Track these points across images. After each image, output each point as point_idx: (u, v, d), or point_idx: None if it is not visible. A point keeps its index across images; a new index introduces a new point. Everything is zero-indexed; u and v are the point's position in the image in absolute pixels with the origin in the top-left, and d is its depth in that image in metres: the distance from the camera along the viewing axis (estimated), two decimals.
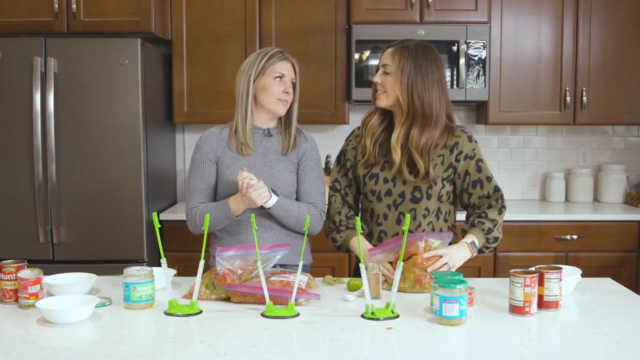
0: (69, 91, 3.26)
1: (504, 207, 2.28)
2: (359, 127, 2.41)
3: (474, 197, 2.28)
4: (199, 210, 2.31)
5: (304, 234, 2.28)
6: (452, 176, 2.26)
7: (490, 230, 2.23)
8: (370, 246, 2.24)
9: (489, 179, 2.28)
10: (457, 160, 2.25)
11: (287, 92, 2.31)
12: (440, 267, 2.10)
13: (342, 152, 2.40)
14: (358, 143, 2.35)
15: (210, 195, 2.37)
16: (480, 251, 2.25)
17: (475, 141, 2.29)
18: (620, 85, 3.77)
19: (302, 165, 2.38)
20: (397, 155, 2.21)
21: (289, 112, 2.37)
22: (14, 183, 3.30)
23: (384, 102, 2.24)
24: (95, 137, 3.29)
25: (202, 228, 1.96)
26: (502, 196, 2.29)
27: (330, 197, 2.39)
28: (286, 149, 2.35)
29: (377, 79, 2.24)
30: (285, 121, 2.39)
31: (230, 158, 2.34)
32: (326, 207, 2.39)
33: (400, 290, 2.02)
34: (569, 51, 3.74)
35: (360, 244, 1.91)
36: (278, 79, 2.30)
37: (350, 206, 2.38)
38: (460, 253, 2.16)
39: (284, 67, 2.32)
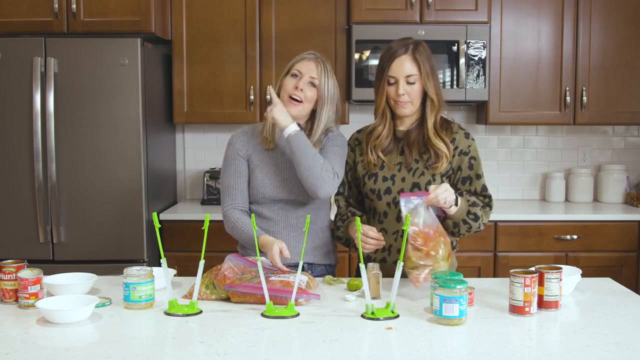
0: (69, 91, 3.27)
1: (490, 207, 2.28)
2: (358, 131, 2.42)
3: (462, 193, 2.29)
4: (231, 219, 2.30)
5: (312, 192, 2.23)
6: (449, 171, 2.28)
7: (475, 204, 2.21)
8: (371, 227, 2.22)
9: (479, 176, 2.29)
10: (453, 156, 2.27)
11: (296, 88, 2.26)
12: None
13: None
14: (357, 145, 2.37)
15: (244, 192, 2.35)
16: (455, 224, 2.20)
17: (472, 139, 2.31)
18: (620, 85, 3.77)
19: (323, 148, 2.33)
20: (441, 144, 2.24)
21: (315, 114, 2.32)
22: (14, 183, 3.30)
23: (410, 109, 2.26)
24: (95, 137, 3.29)
25: (202, 228, 1.95)
26: (489, 196, 2.29)
27: (334, 201, 2.42)
28: None
29: (401, 91, 2.22)
30: (310, 123, 2.34)
31: (258, 157, 2.34)
32: (341, 178, 2.31)
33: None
34: (569, 51, 3.74)
35: (360, 244, 1.91)
36: (293, 77, 2.29)
37: (355, 208, 2.41)
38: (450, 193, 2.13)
39: (303, 65, 2.29)
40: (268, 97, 2.16)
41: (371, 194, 2.32)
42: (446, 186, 2.07)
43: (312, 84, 2.29)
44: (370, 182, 2.31)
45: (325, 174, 2.21)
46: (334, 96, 2.32)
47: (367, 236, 2.13)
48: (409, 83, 2.22)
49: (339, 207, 2.41)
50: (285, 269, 2.10)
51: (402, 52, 2.23)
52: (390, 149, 2.31)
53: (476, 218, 2.22)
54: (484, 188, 2.29)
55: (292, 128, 2.21)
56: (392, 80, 2.24)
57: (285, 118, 2.22)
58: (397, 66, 2.22)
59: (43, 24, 3.47)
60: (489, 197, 2.30)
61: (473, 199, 2.24)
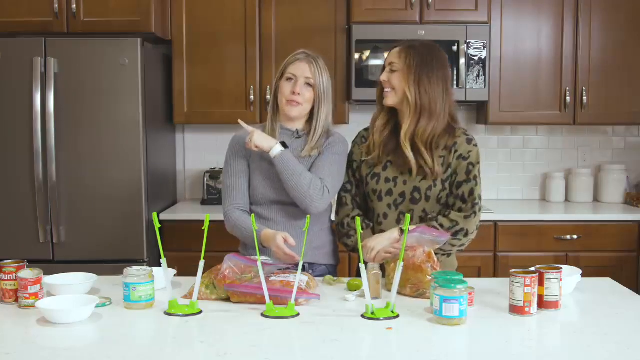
0: (69, 91, 3.26)
1: (475, 214, 2.21)
2: (365, 129, 2.42)
3: (451, 197, 2.25)
4: (232, 218, 2.32)
5: (304, 209, 2.24)
6: (450, 177, 2.26)
7: (432, 219, 2.22)
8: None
9: (469, 180, 2.22)
10: (454, 160, 2.25)
11: (294, 93, 2.28)
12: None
13: (350, 154, 2.41)
14: (364, 143, 2.37)
15: (244, 193, 2.36)
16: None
17: (475, 145, 2.27)
18: (620, 85, 3.76)
19: (321, 154, 2.33)
20: (408, 151, 2.21)
21: (313, 113, 2.33)
22: (14, 183, 3.30)
23: (391, 100, 2.25)
24: (95, 137, 3.29)
25: (202, 228, 1.95)
26: (474, 201, 2.21)
27: (341, 197, 2.40)
28: (307, 151, 2.31)
29: (383, 77, 2.26)
30: (310, 123, 2.35)
31: (258, 158, 2.34)
32: (334, 191, 2.32)
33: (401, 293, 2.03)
34: (569, 51, 3.74)
35: (360, 244, 1.91)
36: (289, 80, 2.31)
37: (360, 206, 2.40)
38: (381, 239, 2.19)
39: (296, 68, 2.31)
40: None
41: (372, 194, 2.31)
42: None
43: (308, 84, 2.30)
44: (372, 183, 2.31)
45: (313, 192, 2.23)
46: (329, 91, 2.34)
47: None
48: (392, 70, 2.24)
49: (345, 204, 2.39)
50: (293, 254, 2.11)
51: (399, 44, 2.27)
52: (395, 148, 2.30)
53: (455, 233, 2.20)
54: (472, 192, 2.21)
55: (276, 149, 2.23)
56: (382, 69, 2.31)
57: (267, 141, 2.25)
58: (388, 55, 2.29)
59: (43, 24, 3.46)
60: (474, 203, 2.21)
61: (434, 224, 2.20)
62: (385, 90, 2.26)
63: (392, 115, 2.31)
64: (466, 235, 2.22)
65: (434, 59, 2.22)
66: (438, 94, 2.21)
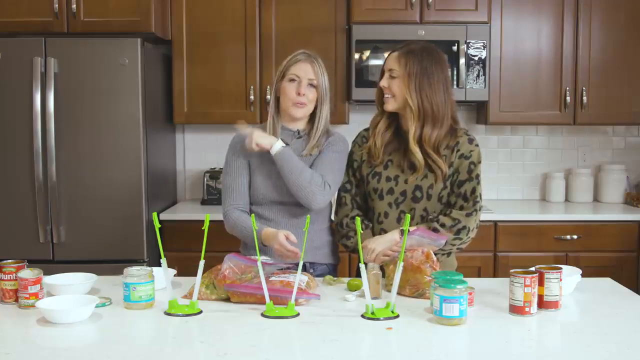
0: (69, 91, 3.26)
1: (476, 211, 2.23)
2: (365, 129, 2.42)
3: (452, 196, 2.26)
4: (231, 218, 2.33)
5: (306, 205, 2.26)
6: (452, 176, 2.27)
7: (433, 220, 2.22)
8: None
9: (471, 179, 2.24)
10: (456, 159, 2.26)
11: (299, 94, 2.29)
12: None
13: (350, 154, 2.41)
14: (364, 143, 2.37)
15: (244, 193, 2.37)
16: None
17: (476, 145, 2.28)
18: (620, 85, 3.76)
19: (321, 153, 2.35)
20: (418, 155, 2.22)
21: (315, 113, 2.35)
22: (14, 183, 3.30)
23: (392, 105, 2.26)
24: (95, 137, 3.29)
25: (202, 228, 1.95)
26: (475, 199, 2.23)
27: (340, 197, 2.40)
28: (307, 150, 2.33)
29: (383, 83, 2.26)
30: (312, 122, 2.37)
31: (259, 158, 2.35)
32: (335, 187, 2.33)
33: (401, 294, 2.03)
34: (569, 51, 3.74)
35: (360, 245, 1.91)
36: (292, 81, 2.31)
37: (360, 207, 2.40)
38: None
39: (299, 69, 2.31)
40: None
41: (373, 193, 2.32)
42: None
43: (312, 85, 2.31)
44: (373, 181, 2.31)
45: (315, 187, 2.24)
46: (329, 90, 2.36)
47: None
48: (391, 77, 2.24)
49: (344, 204, 2.39)
50: (296, 250, 2.12)
51: (397, 48, 2.26)
52: (396, 147, 2.30)
53: (458, 232, 2.21)
54: (473, 190, 2.24)
55: (277, 146, 2.25)
56: (381, 74, 2.30)
57: (268, 140, 2.27)
58: (386, 60, 2.28)
59: (43, 24, 3.46)
60: (475, 201, 2.23)
61: (434, 225, 2.21)
62: (386, 96, 2.26)
63: (393, 119, 2.32)
64: (468, 233, 2.23)
65: (433, 63, 2.22)
66: (440, 97, 2.22)
